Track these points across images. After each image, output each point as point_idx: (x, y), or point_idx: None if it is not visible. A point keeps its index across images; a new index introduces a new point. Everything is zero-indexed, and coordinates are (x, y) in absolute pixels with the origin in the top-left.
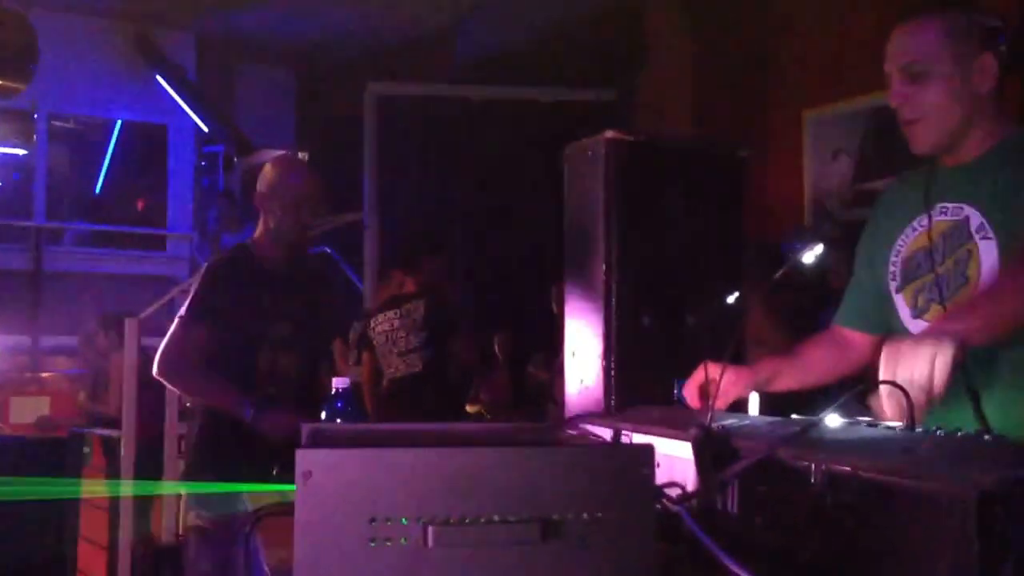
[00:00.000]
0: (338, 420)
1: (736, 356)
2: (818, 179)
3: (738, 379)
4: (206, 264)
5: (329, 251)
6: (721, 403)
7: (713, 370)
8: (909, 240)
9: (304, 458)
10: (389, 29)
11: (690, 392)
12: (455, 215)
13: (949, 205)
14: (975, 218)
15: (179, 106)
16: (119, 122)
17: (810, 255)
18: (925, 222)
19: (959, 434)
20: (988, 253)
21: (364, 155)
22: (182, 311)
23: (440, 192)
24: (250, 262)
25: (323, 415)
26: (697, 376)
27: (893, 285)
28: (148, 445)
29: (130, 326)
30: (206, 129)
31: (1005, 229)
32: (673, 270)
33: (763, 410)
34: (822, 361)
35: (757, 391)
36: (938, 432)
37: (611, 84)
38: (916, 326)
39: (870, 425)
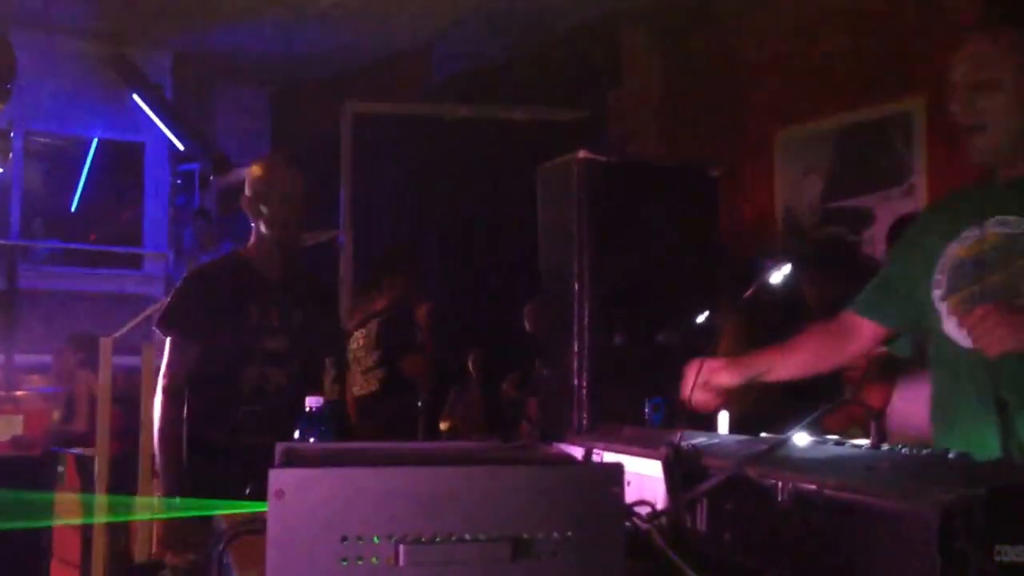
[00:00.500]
0: (311, 440)
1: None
2: (789, 197)
3: (728, 368)
4: (188, 270)
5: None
6: (709, 396)
7: (707, 365)
8: (958, 249)
9: (276, 477)
10: (365, 47)
11: (688, 388)
12: (431, 233)
13: (1008, 218)
14: None
15: (155, 124)
16: (95, 140)
17: (778, 274)
18: (978, 232)
19: (923, 452)
20: None
21: (340, 173)
22: (157, 324)
23: (416, 210)
24: (240, 270)
25: (296, 434)
26: (692, 373)
27: (938, 293)
28: (122, 462)
29: (104, 345)
30: (182, 147)
31: None
32: (646, 289)
33: (732, 429)
34: (816, 352)
35: (754, 382)
36: (902, 451)
37: (585, 103)
38: (964, 335)
39: (836, 444)
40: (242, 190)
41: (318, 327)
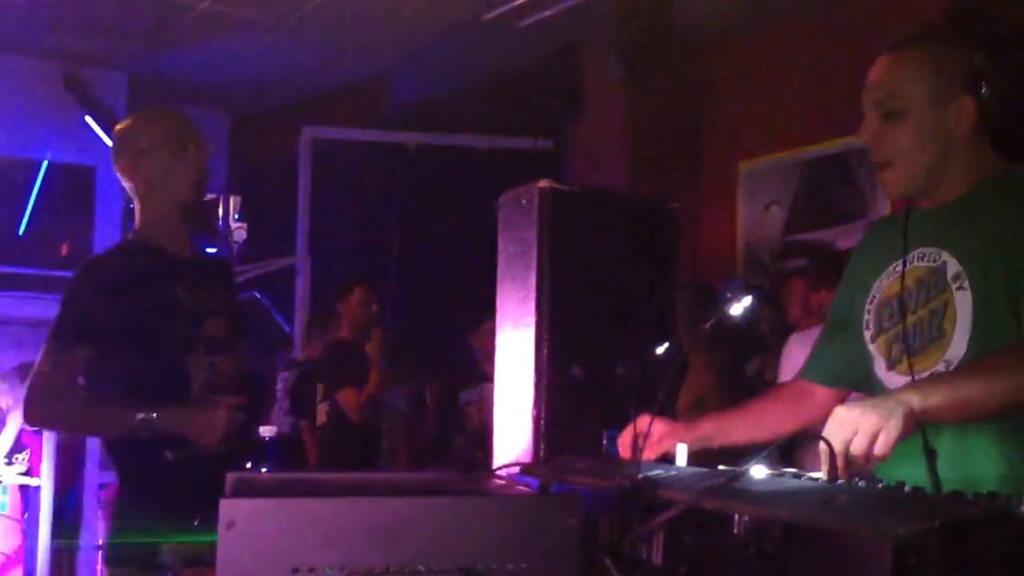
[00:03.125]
0: (264, 470)
1: (667, 406)
2: (751, 229)
3: (672, 432)
4: (77, 268)
5: (259, 296)
6: (651, 454)
7: (648, 423)
8: (883, 286)
9: (227, 508)
10: (324, 73)
11: (624, 443)
12: (389, 261)
13: (927, 250)
14: (952, 265)
15: (108, 148)
16: (45, 163)
17: (738, 307)
18: (900, 267)
19: (879, 486)
20: (963, 305)
21: (298, 200)
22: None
23: (374, 238)
24: (145, 252)
25: (248, 464)
26: (631, 427)
27: (868, 334)
28: (67, 494)
29: None
30: None
31: (980, 280)
32: (605, 320)
33: (690, 461)
34: (775, 415)
35: (697, 447)
36: (859, 483)
37: (547, 133)
38: (891, 379)
39: (793, 477)
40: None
41: (242, 311)
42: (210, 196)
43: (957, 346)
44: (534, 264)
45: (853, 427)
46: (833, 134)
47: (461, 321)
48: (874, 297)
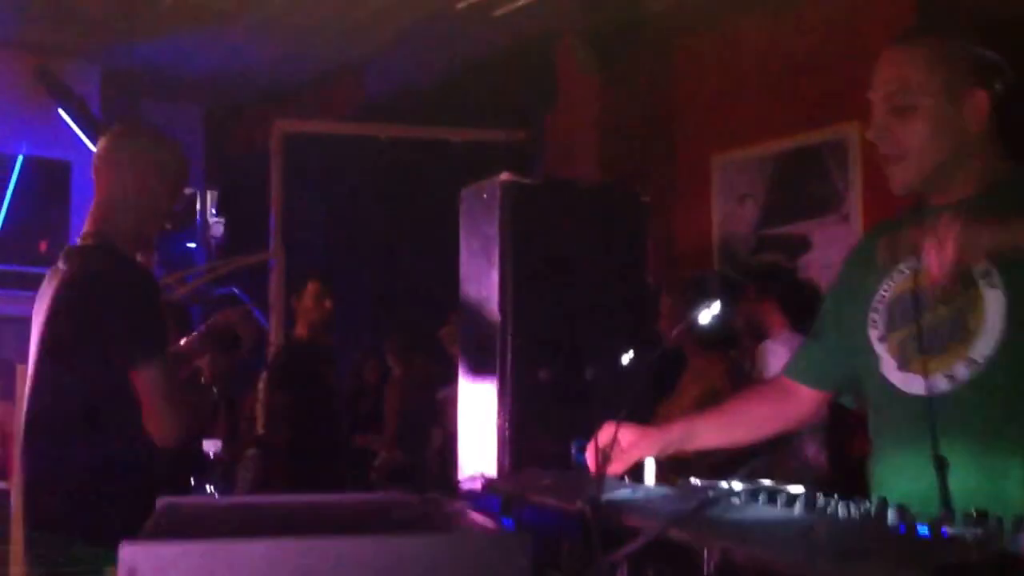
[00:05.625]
0: (208, 488)
1: (642, 410)
2: (725, 223)
3: (643, 440)
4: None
5: (236, 292)
6: (621, 467)
7: (615, 432)
8: (895, 284)
9: (128, 554)
10: (297, 65)
11: (591, 455)
12: (364, 254)
13: None
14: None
15: (83, 142)
16: (20, 157)
17: (707, 313)
18: (914, 265)
19: (862, 509)
20: (994, 303)
21: (270, 194)
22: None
23: (348, 231)
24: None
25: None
26: (599, 437)
27: (874, 334)
28: None
29: (21, 372)
30: None
31: (1013, 280)
32: (573, 320)
33: (665, 468)
34: (754, 415)
35: (671, 452)
36: (839, 507)
37: (522, 124)
38: (903, 378)
39: (770, 496)
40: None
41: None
42: (187, 190)
43: (983, 346)
44: (496, 261)
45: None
46: (806, 127)
47: (437, 315)
48: (883, 296)
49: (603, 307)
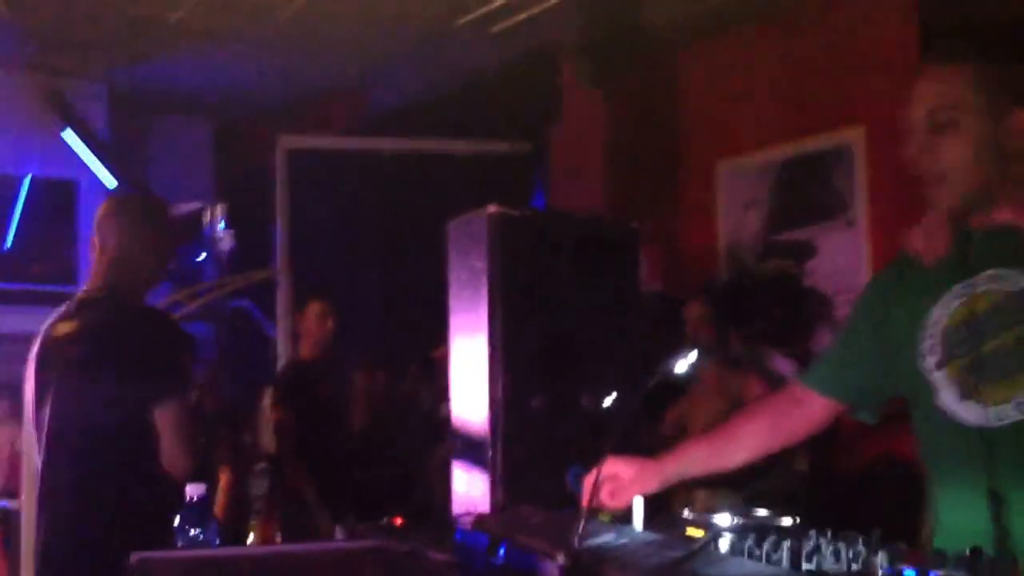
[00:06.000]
0: (189, 530)
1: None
2: (731, 230)
3: (644, 474)
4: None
5: (247, 306)
6: (622, 503)
7: (616, 467)
8: (948, 311)
9: None
10: (300, 80)
11: (588, 488)
12: (369, 268)
13: (1002, 271)
14: None
15: (88, 162)
16: (28, 177)
17: (683, 362)
18: (968, 290)
19: (850, 554)
20: None
21: (276, 209)
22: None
23: (353, 245)
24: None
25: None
26: (593, 473)
27: (932, 360)
28: None
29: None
30: (115, 186)
31: None
32: (565, 349)
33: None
34: (755, 435)
35: (672, 483)
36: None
37: (525, 137)
38: (965, 409)
39: (759, 536)
40: (183, 227)
41: None
42: (196, 204)
43: None
44: (485, 293)
45: None
46: (810, 133)
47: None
48: (936, 321)
49: (595, 337)
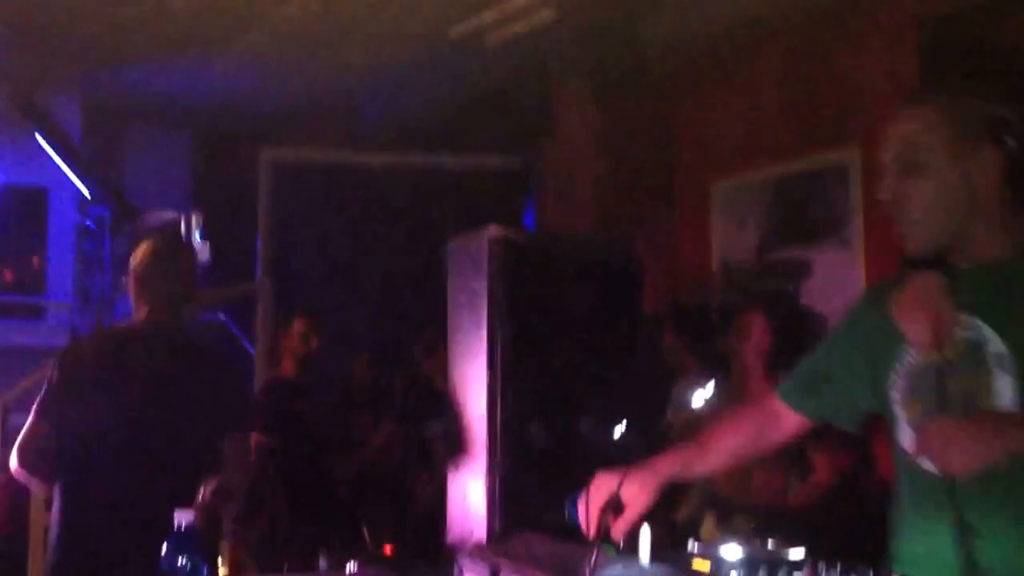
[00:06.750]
0: (179, 560)
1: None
2: (726, 249)
3: (642, 490)
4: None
5: (223, 319)
6: (625, 525)
7: (611, 488)
8: (918, 352)
9: None
10: (289, 93)
11: (588, 516)
12: (355, 285)
13: (963, 318)
14: (994, 343)
15: (61, 168)
16: None
17: (700, 395)
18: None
19: None
20: (1005, 391)
21: (258, 223)
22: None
23: (338, 260)
24: None
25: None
26: (593, 495)
27: (896, 397)
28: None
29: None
30: (88, 194)
31: None
32: (566, 374)
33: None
34: (734, 444)
35: (666, 486)
36: None
37: (517, 153)
38: (915, 450)
39: (770, 571)
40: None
41: None
42: (171, 213)
43: None
44: (484, 317)
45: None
46: (806, 151)
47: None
48: (908, 361)
49: (596, 361)
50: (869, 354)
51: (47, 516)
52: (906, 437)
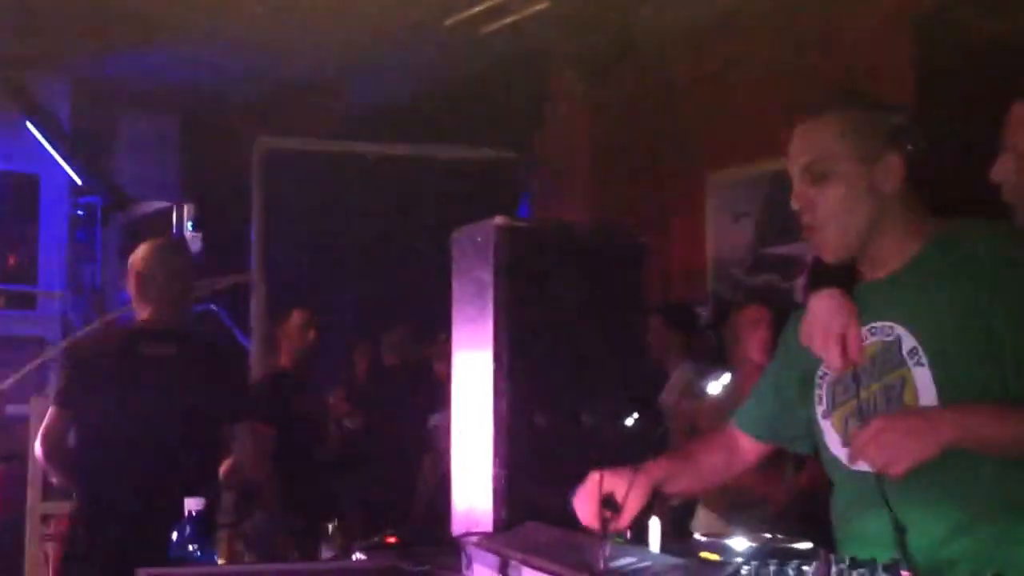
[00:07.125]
0: (190, 547)
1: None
2: (721, 243)
3: (636, 488)
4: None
5: (215, 308)
6: (624, 521)
7: (608, 481)
8: None
9: None
10: (280, 79)
11: (585, 510)
12: (349, 275)
13: (879, 325)
14: (907, 340)
15: (52, 155)
16: None
17: (716, 383)
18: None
19: None
20: (923, 380)
21: (252, 212)
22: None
23: (332, 250)
24: None
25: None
26: (589, 490)
27: (820, 410)
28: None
29: None
30: (79, 181)
31: (939, 355)
32: (570, 365)
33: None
34: (713, 466)
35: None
36: None
37: (511, 143)
38: (847, 455)
39: (781, 564)
40: (149, 223)
41: None
42: (163, 204)
43: None
44: (490, 308)
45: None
46: None
47: (425, 336)
48: (826, 372)
49: (601, 352)
50: (801, 377)
51: (44, 504)
52: (835, 445)
